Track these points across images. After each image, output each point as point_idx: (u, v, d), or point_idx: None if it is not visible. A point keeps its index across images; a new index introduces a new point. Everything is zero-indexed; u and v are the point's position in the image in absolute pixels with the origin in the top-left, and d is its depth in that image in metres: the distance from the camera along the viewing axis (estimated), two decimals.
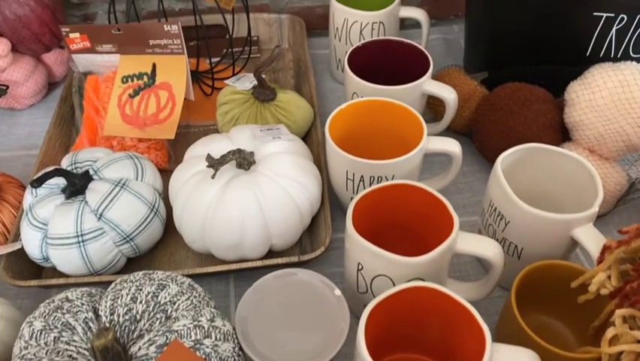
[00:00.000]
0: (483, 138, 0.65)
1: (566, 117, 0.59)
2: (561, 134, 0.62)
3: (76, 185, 0.54)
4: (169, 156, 0.68)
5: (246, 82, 0.68)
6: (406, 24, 0.75)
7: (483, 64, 0.72)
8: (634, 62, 0.57)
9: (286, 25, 0.85)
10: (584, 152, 0.59)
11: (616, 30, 0.59)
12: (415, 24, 0.77)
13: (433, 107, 0.71)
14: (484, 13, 0.69)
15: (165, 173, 0.65)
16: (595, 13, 0.58)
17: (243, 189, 0.52)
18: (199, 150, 0.57)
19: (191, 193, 0.53)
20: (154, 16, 0.86)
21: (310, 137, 0.68)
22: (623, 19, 0.58)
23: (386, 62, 0.68)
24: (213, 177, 0.51)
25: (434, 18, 0.92)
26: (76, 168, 0.56)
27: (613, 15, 0.58)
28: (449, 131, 0.69)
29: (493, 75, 0.68)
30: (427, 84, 0.63)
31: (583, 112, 0.57)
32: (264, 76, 0.67)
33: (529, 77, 0.65)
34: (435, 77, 0.70)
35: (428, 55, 0.64)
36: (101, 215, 0.52)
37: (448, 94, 0.63)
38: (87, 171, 0.55)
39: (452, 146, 0.57)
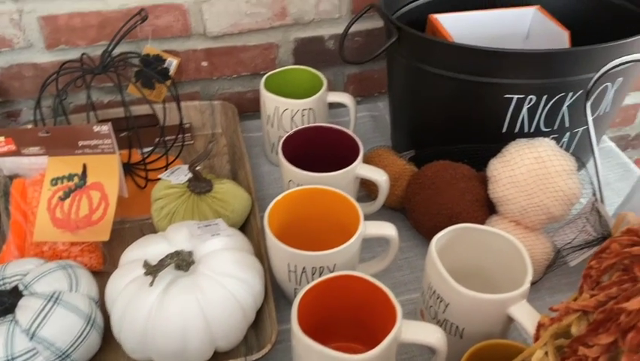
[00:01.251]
0: (415, 215, 0.67)
1: (490, 193, 0.63)
2: (488, 208, 0.65)
3: (5, 303, 0.51)
4: (104, 258, 0.66)
5: (181, 175, 0.68)
6: (334, 103, 0.79)
7: (409, 143, 0.75)
8: (547, 138, 0.62)
9: (218, 111, 0.86)
10: (510, 224, 0.62)
11: (527, 109, 0.64)
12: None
13: (366, 186, 0.73)
14: (404, 98, 0.73)
15: (101, 275, 0.63)
16: (506, 96, 0.63)
17: (183, 293, 0.51)
18: (135, 254, 0.56)
19: (130, 302, 0.51)
20: (82, 109, 0.85)
21: (249, 225, 0.69)
22: (532, 99, 0.63)
23: (319, 147, 0.71)
24: (151, 284, 0.50)
25: (359, 96, 0.97)
26: (4, 284, 0.54)
27: (523, 96, 0.63)
28: (384, 208, 0.72)
29: (420, 154, 0.72)
30: (359, 168, 0.65)
31: (505, 188, 0.61)
32: (198, 168, 0.67)
33: (453, 154, 0.68)
34: (365, 158, 0.72)
35: (358, 140, 0.67)
36: (33, 334, 0.49)
37: (379, 176, 0.65)
38: (16, 287, 0.53)
39: (389, 230, 0.59)
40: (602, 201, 0.63)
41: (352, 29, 0.87)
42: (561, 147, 0.70)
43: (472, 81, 0.63)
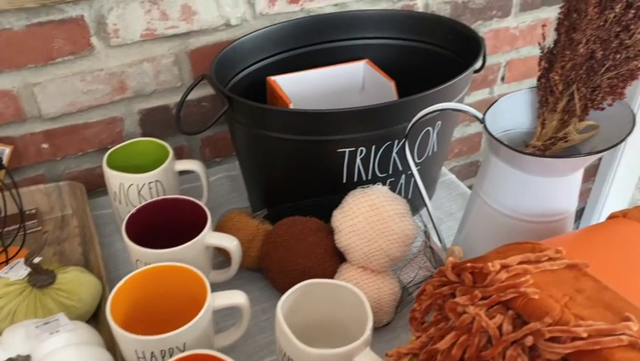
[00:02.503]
0: (272, 273, 0.68)
1: (336, 243, 0.65)
2: (338, 257, 0.67)
3: None
4: None
5: (20, 270, 0.64)
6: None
7: (263, 202, 0.77)
8: (380, 185, 0.66)
9: (66, 192, 0.83)
10: (358, 270, 0.65)
11: (360, 159, 0.68)
12: None
13: (223, 252, 0.73)
14: (249, 159, 0.75)
15: None
16: (338, 150, 0.67)
17: None
18: None
19: None
20: None
21: (102, 311, 0.66)
22: (362, 150, 0.67)
23: (169, 219, 0.70)
24: None
25: (218, 157, 0.98)
26: None
27: (353, 149, 0.67)
28: (243, 271, 0.72)
29: (271, 212, 0.74)
30: (208, 237, 0.65)
31: (348, 237, 0.64)
32: (39, 259, 0.64)
33: (303, 209, 0.71)
34: (219, 223, 0.73)
35: (205, 209, 0.67)
36: None
37: (229, 243, 0.65)
38: None
39: (238, 298, 0.59)
40: (438, 235, 0.68)
41: (197, 95, 0.89)
42: (400, 188, 0.75)
43: (306, 140, 0.66)
